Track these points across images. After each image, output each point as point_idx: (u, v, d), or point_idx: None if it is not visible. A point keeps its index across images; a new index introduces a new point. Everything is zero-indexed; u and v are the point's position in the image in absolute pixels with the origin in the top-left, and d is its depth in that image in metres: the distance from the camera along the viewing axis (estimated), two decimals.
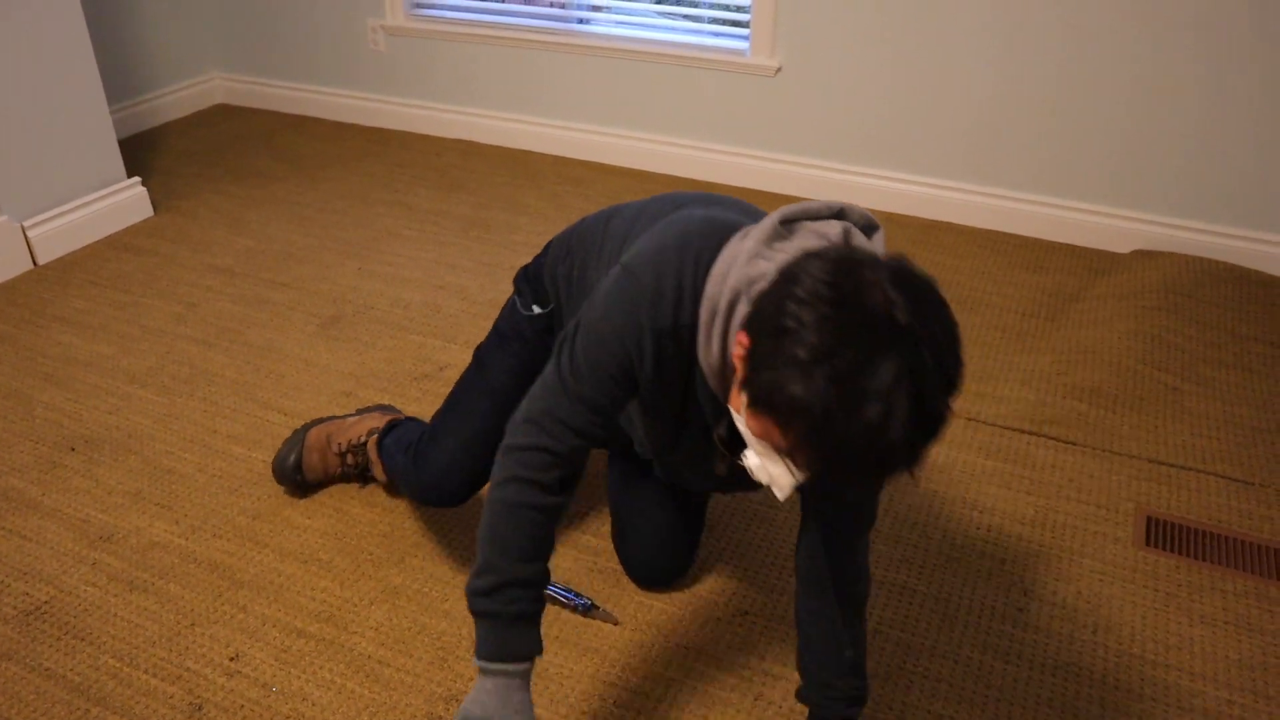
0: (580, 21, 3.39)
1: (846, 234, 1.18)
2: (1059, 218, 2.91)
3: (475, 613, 1.26)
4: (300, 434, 1.96)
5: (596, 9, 3.38)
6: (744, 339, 1.04)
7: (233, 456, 2.08)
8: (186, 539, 1.87)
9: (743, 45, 3.13)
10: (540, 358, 1.50)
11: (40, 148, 2.81)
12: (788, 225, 1.18)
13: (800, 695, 1.40)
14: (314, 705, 1.55)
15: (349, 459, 1.93)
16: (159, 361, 2.40)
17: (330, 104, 3.92)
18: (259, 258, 2.88)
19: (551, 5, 3.46)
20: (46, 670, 1.62)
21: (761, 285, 1.07)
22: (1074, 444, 2.09)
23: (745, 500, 1.94)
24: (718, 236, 1.22)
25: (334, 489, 1.99)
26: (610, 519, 1.80)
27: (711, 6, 3.24)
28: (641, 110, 3.35)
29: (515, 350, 1.63)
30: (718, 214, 1.28)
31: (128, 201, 3.09)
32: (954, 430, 2.13)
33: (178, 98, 3.96)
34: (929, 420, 0.96)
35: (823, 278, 0.98)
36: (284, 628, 1.68)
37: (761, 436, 1.03)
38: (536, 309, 1.60)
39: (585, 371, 1.24)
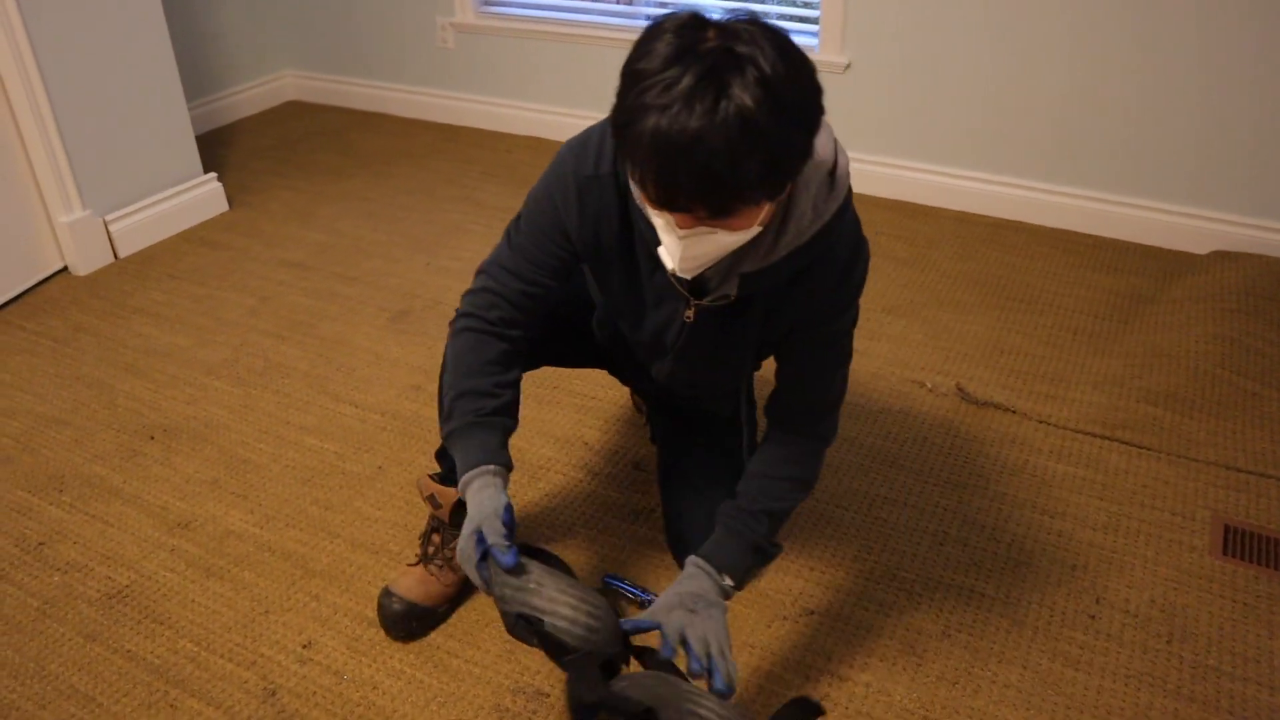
0: (648, 19, 3.38)
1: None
2: (1134, 217, 2.85)
3: (445, 441, 1.38)
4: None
5: (664, 5, 3.38)
6: None
7: (305, 448, 2.12)
8: (261, 528, 1.91)
9: (812, 42, 3.11)
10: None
11: (122, 144, 2.89)
12: None
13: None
14: (384, 694, 1.57)
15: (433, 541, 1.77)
16: (234, 354, 2.46)
17: (399, 100, 3.97)
18: (330, 252, 2.93)
19: (619, 2, 3.47)
20: (128, 652, 1.67)
21: None
22: (1148, 449, 2.05)
23: (812, 500, 1.93)
24: None
25: (405, 483, 2.02)
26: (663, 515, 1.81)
27: (780, 2, 3.23)
28: None
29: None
30: None
31: (204, 196, 3.16)
32: (1024, 432, 2.10)
33: (251, 95, 4.04)
34: (738, 116, 1.01)
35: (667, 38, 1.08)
36: (355, 617, 1.71)
37: (643, 203, 1.17)
38: None
39: (525, 226, 1.41)
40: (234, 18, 3.88)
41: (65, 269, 2.87)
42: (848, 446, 2.07)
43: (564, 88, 3.58)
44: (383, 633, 1.68)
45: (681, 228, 1.14)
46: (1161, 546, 1.81)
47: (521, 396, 1.48)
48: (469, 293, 1.44)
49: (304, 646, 1.66)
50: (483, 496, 1.30)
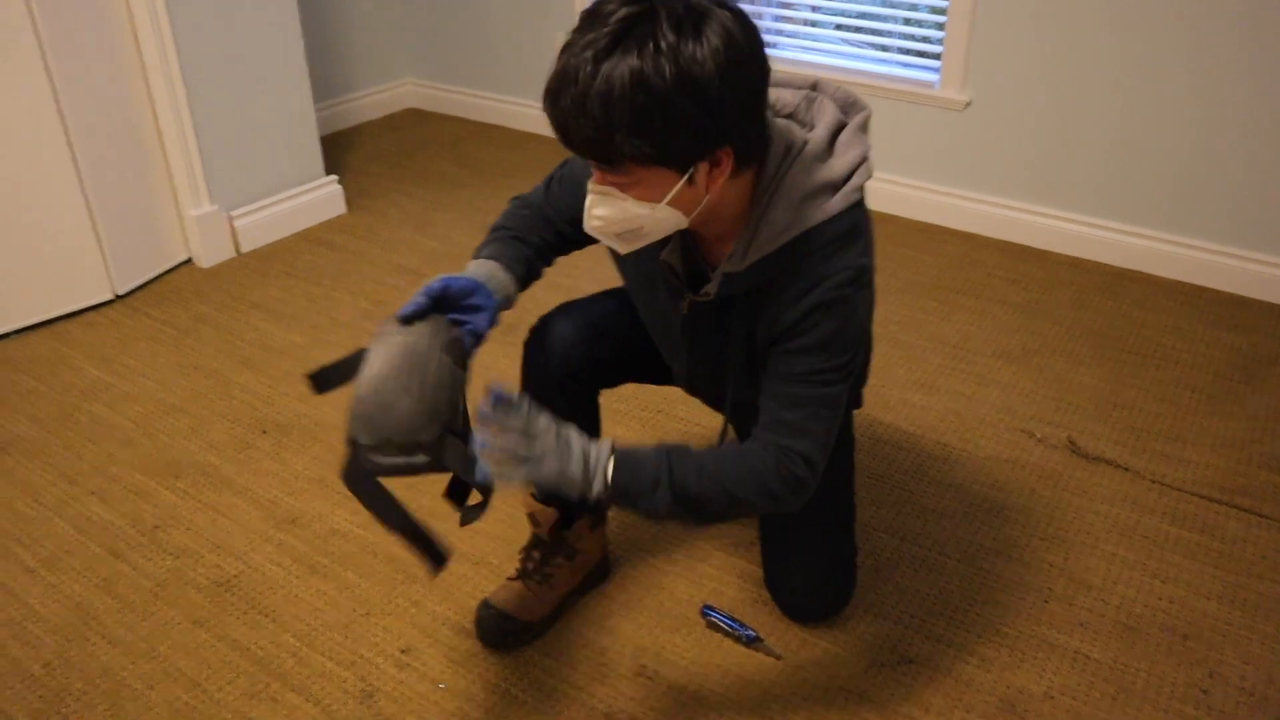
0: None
1: (805, 100, 1.38)
2: (1260, 274, 2.75)
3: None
4: None
5: (780, 34, 3.38)
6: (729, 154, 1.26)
7: None
8: (365, 530, 1.95)
9: (932, 77, 3.08)
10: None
11: (251, 143, 2.99)
12: None
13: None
14: (479, 706, 1.59)
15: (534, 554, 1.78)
16: (346, 353, 2.51)
17: (517, 113, 4.03)
18: (442, 260, 2.98)
19: None
20: (234, 641, 1.71)
21: None
22: (1269, 519, 1.97)
23: (914, 546, 1.90)
24: None
25: (509, 497, 2.04)
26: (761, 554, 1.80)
27: (902, 36, 3.20)
28: None
29: None
30: None
31: (324, 198, 3.25)
32: (1137, 491, 2.04)
33: (372, 101, 4.14)
34: (629, 69, 1.10)
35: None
36: (454, 627, 1.73)
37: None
38: None
39: (562, 172, 1.54)
40: (361, 23, 3.99)
41: (190, 260, 2.97)
42: (952, 493, 2.04)
43: None
44: (480, 645, 1.69)
45: (594, 184, 1.25)
46: None
47: (574, 336, 1.61)
48: (505, 210, 1.59)
49: (402, 651, 1.69)
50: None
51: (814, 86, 1.42)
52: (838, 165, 1.31)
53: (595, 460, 1.29)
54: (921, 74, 3.12)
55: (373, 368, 1.27)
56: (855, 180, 1.32)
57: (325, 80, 3.88)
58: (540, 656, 1.68)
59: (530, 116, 3.99)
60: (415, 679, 1.64)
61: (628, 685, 1.62)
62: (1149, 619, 1.75)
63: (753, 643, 1.67)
